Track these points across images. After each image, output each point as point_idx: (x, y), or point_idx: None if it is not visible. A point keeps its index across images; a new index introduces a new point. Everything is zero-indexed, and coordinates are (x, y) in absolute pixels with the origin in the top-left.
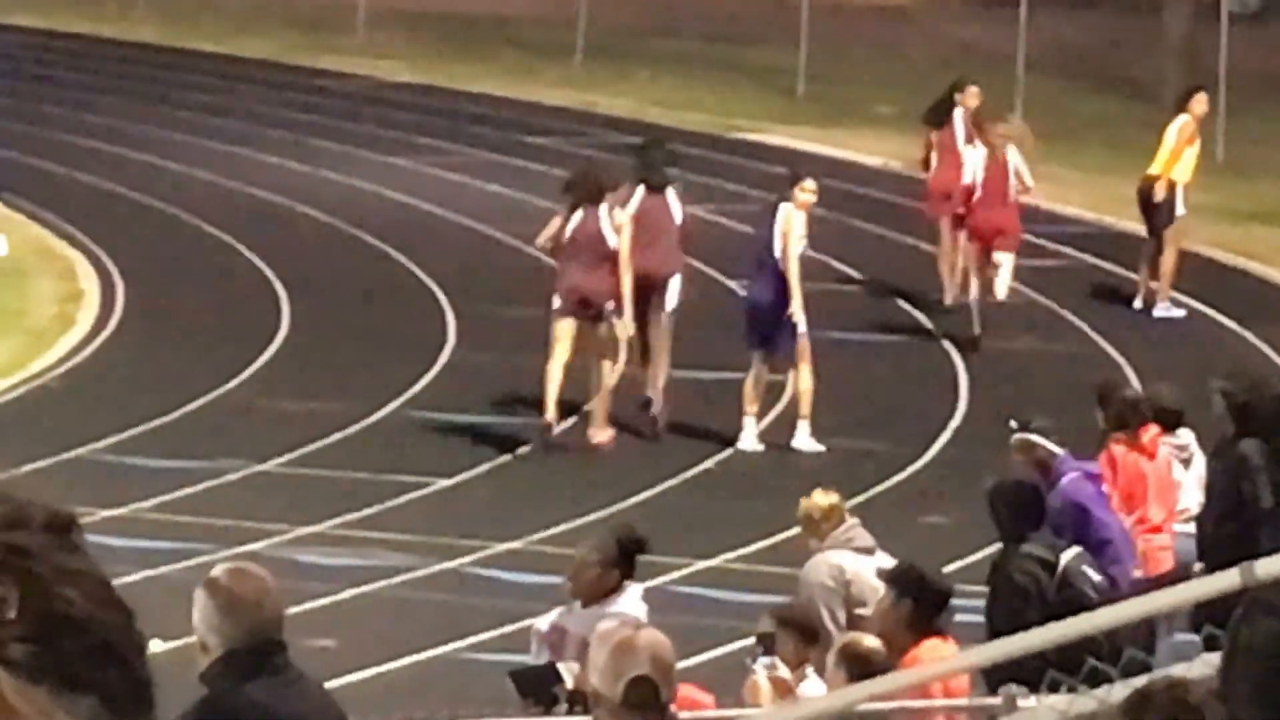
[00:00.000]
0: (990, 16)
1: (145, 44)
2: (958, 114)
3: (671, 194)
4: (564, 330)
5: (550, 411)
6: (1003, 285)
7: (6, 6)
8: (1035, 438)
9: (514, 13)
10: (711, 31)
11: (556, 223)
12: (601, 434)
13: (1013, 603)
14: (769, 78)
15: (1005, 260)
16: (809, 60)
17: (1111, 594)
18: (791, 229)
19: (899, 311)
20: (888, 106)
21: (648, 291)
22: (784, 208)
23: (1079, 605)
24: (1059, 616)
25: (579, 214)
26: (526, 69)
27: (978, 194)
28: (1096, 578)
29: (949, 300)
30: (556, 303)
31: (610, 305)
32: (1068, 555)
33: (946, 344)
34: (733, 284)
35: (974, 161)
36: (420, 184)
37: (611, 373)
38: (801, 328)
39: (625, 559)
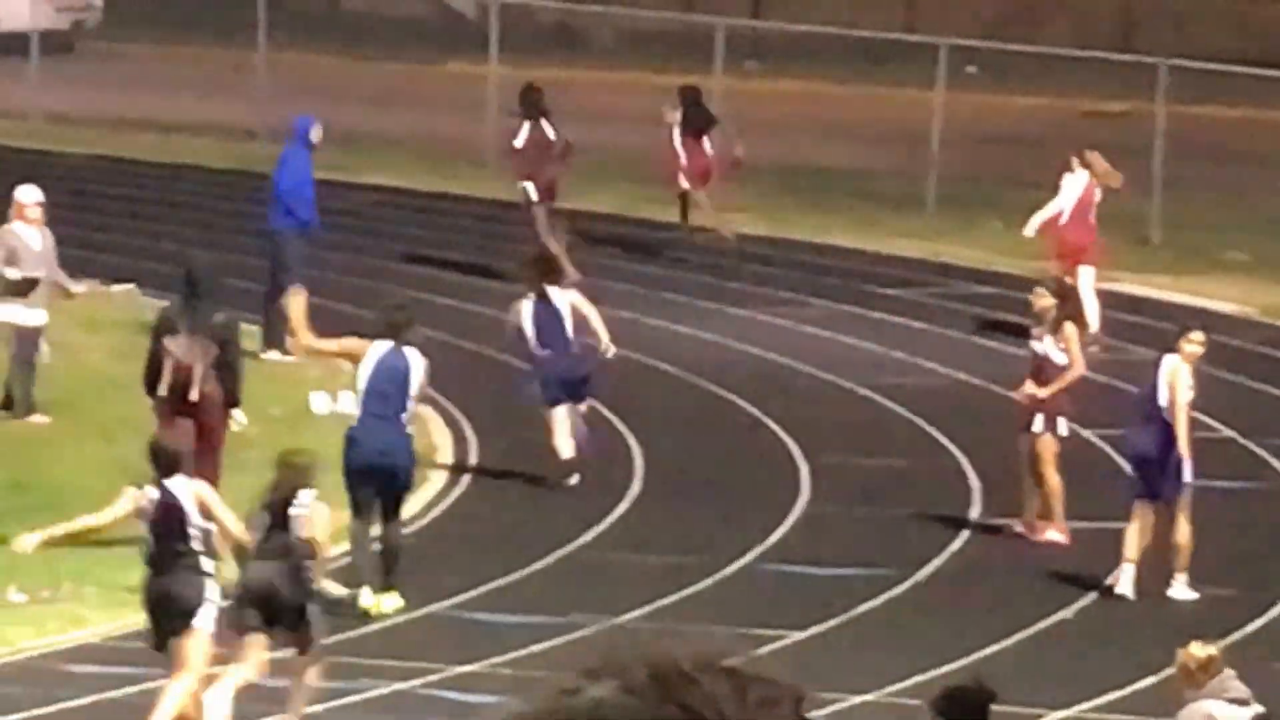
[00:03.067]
0: None
1: (495, 199)
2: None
3: (1048, 341)
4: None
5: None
6: (1090, 306)
7: (359, 167)
8: None
9: (863, 165)
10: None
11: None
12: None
13: None
14: (1123, 225)
15: (1086, 274)
16: (1162, 207)
17: None
18: (1178, 380)
19: (1247, 454)
20: (1239, 253)
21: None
22: (1169, 359)
23: None
24: None
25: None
26: (875, 220)
27: (1066, 217)
28: None
29: None
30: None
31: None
32: None
33: None
34: (1088, 433)
35: (1073, 187)
36: (772, 336)
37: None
38: (1187, 477)
39: (965, 712)
